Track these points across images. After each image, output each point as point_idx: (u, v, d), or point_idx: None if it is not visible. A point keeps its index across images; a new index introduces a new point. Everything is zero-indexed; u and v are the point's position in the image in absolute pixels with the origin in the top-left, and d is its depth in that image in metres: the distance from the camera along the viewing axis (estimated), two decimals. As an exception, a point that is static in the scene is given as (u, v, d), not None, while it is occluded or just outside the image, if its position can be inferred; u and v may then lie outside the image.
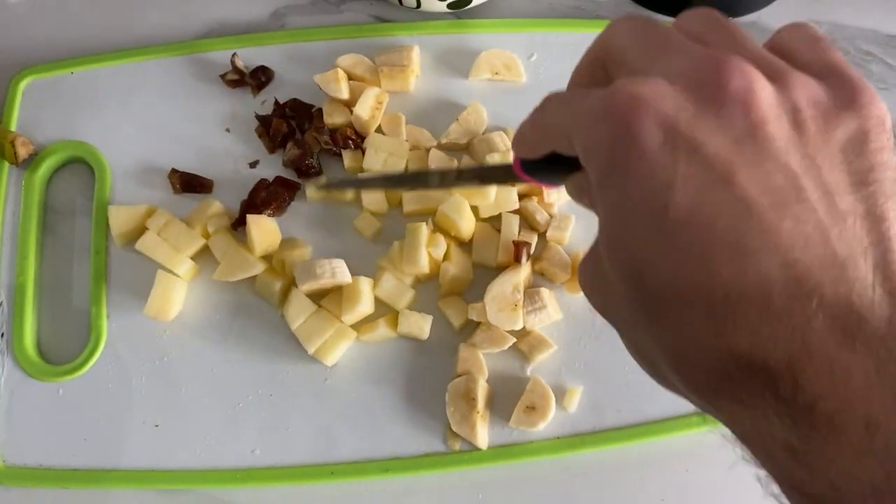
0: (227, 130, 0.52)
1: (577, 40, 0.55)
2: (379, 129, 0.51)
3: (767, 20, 0.57)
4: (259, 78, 0.52)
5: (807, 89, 0.22)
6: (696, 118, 0.21)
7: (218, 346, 0.46)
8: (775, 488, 0.22)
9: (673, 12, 0.57)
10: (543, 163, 0.27)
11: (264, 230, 0.47)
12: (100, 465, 0.44)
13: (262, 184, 0.49)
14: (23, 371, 0.46)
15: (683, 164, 0.21)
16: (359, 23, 0.56)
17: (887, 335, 0.19)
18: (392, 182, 0.40)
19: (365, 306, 0.45)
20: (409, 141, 0.51)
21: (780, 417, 0.20)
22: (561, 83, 0.57)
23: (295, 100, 0.52)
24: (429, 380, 0.46)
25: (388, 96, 0.52)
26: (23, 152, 0.49)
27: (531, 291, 0.46)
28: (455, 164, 0.50)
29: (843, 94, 0.22)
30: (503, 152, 0.49)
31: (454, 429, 0.44)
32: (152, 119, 0.52)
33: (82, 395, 0.45)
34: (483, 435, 0.44)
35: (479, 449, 0.44)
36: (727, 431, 0.23)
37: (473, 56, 0.53)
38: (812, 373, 0.20)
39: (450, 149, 0.51)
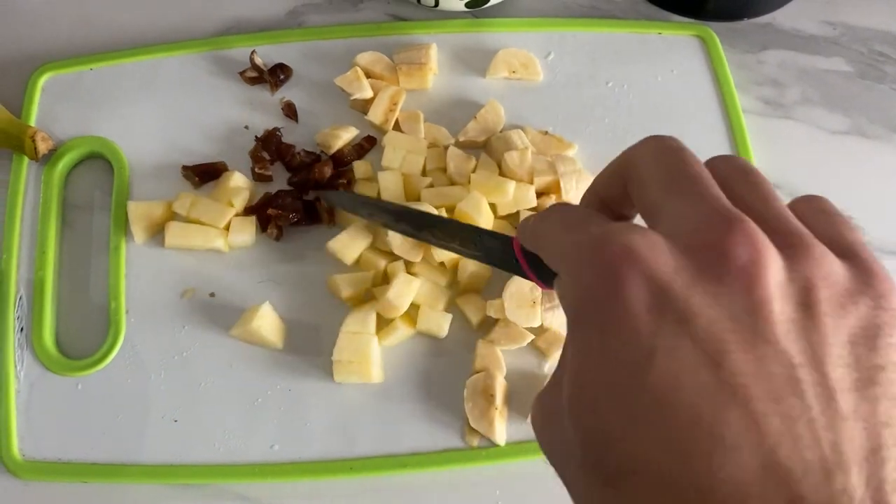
0: (246, 128, 0.52)
1: (593, 39, 0.55)
2: (397, 127, 0.51)
3: (783, 21, 0.57)
4: (277, 75, 0.53)
5: (823, 265, 0.20)
6: (692, 285, 0.19)
7: (236, 341, 0.46)
8: None
9: (686, 12, 0.57)
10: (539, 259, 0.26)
11: None
12: (118, 459, 0.44)
13: (279, 193, 0.49)
14: (42, 365, 0.46)
15: (669, 334, 0.19)
16: (376, 21, 0.56)
17: None
18: (391, 215, 0.40)
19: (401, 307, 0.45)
20: (427, 138, 0.51)
21: None
22: (578, 82, 0.58)
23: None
24: (447, 377, 0.46)
25: (405, 94, 0.52)
26: (42, 147, 0.50)
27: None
28: (473, 163, 0.50)
29: (862, 277, 0.20)
30: (521, 149, 0.49)
31: (472, 425, 0.44)
32: (171, 116, 0.52)
33: (101, 390, 0.45)
34: (501, 431, 0.44)
35: (497, 445, 0.44)
36: None
37: (491, 55, 0.53)
38: None
39: (467, 146, 0.51)
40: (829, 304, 0.19)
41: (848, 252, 0.21)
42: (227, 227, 0.48)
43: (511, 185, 0.48)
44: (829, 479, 0.18)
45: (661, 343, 0.19)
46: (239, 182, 0.49)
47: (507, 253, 0.30)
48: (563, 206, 0.25)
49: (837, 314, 0.19)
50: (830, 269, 0.20)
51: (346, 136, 0.50)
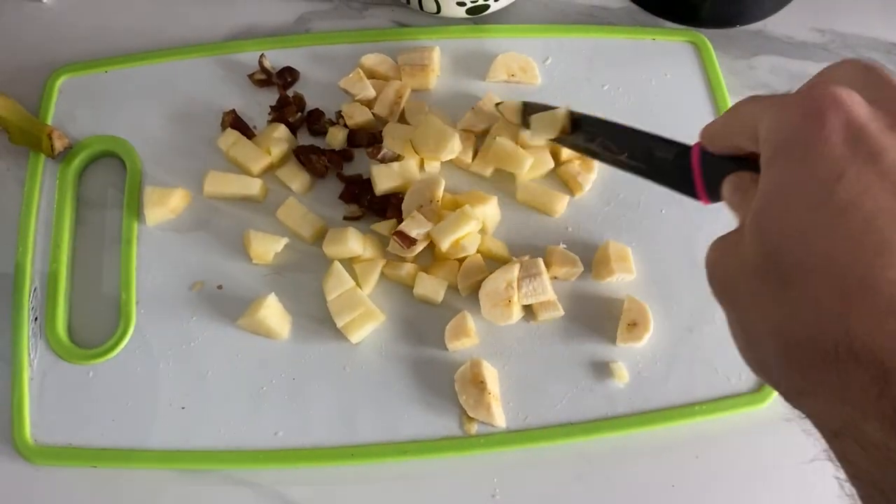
0: (254, 128, 0.54)
1: (589, 45, 0.57)
2: (402, 118, 0.53)
3: (774, 28, 0.59)
4: (285, 78, 0.55)
5: None
6: (885, 131, 0.23)
7: (243, 331, 0.48)
8: (851, 489, 0.23)
9: (680, 19, 0.59)
10: (717, 157, 0.31)
11: None
12: (127, 445, 0.45)
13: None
14: (54, 354, 0.47)
15: (860, 162, 0.23)
16: (381, 27, 0.59)
17: None
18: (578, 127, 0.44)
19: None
20: None
21: (880, 418, 0.21)
22: (575, 86, 0.59)
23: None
24: (444, 366, 0.47)
25: (410, 91, 0.54)
26: (58, 145, 0.52)
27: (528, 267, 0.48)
28: (473, 139, 0.52)
29: None
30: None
31: (470, 414, 0.45)
32: (183, 116, 0.54)
33: (111, 378, 0.47)
34: (500, 414, 0.45)
35: (498, 430, 0.45)
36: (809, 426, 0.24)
37: (491, 59, 0.55)
38: None
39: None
40: None
41: None
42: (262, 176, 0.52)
43: (527, 157, 0.50)
44: None
45: (851, 168, 0.23)
46: (282, 134, 0.52)
47: (677, 163, 0.32)
48: (750, 97, 0.29)
49: None
50: None
51: (366, 114, 0.53)
